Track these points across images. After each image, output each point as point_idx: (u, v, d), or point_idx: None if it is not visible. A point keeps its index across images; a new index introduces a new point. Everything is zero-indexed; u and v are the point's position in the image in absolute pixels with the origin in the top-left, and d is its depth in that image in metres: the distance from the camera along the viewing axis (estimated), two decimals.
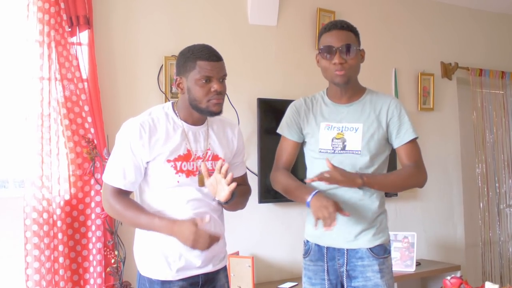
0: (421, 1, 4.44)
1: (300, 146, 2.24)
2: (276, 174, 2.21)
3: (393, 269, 3.59)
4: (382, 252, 2.11)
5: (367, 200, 2.09)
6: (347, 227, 2.08)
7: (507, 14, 4.95)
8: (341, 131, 2.11)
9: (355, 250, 2.09)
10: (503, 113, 4.82)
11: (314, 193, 2.01)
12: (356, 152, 2.09)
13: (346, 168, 2.04)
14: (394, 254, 3.75)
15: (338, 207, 1.96)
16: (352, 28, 2.12)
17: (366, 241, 2.09)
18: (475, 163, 4.64)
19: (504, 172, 4.78)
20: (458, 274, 3.70)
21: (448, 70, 4.50)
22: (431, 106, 4.39)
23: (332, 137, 2.12)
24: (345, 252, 2.10)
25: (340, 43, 2.05)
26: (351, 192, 2.07)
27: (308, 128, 2.19)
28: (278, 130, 2.26)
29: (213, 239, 1.81)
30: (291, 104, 2.26)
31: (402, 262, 3.73)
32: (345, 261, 2.09)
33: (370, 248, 2.09)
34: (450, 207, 4.49)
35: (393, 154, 2.22)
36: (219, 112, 1.93)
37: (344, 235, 2.09)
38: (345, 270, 2.10)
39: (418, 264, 3.80)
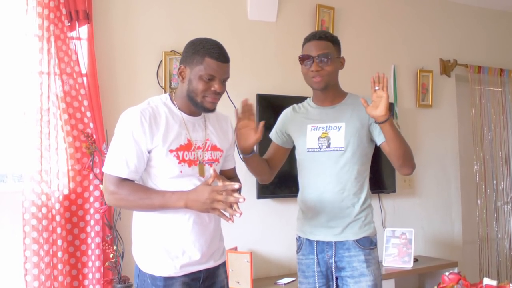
0: None
1: (282, 150, 2.45)
2: None
3: (391, 265, 3.71)
4: (368, 243, 2.27)
5: (348, 201, 2.25)
6: (334, 224, 2.25)
7: (506, 11, 4.95)
8: (326, 131, 2.29)
9: (342, 242, 2.26)
10: (501, 111, 4.83)
11: (251, 153, 2.21)
12: (340, 149, 2.25)
13: (331, 164, 2.25)
14: (392, 250, 3.76)
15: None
16: (331, 38, 2.27)
17: (353, 233, 2.25)
18: (473, 160, 4.65)
19: (502, 169, 4.79)
20: (456, 270, 3.71)
21: (447, 67, 4.50)
22: (430, 103, 4.40)
23: (318, 137, 2.30)
24: (333, 244, 2.26)
25: (317, 52, 2.22)
26: (334, 196, 2.25)
27: (296, 131, 2.37)
28: (270, 134, 2.49)
29: (230, 193, 1.81)
30: (282, 112, 2.48)
31: (400, 258, 3.74)
32: (333, 253, 2.26)
33: (356, 240, 2.25)
34: (448, 204, 4.51)
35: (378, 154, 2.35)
36: (212, 110, 1.95)
37: (331, 230, 2.26)
38: (333, 261, 2.26)
39: (415, 260, 3.81)
